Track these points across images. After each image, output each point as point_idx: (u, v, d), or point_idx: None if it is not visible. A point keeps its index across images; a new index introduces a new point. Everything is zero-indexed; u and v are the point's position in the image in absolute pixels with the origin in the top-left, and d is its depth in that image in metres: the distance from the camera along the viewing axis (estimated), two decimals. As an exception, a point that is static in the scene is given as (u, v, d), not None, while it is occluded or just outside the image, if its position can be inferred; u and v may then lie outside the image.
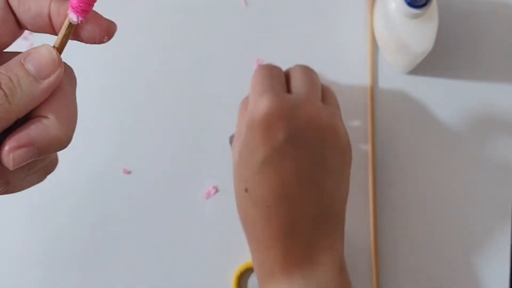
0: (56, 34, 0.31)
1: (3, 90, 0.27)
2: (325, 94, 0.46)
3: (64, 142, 0.30)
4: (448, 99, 0.54)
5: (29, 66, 0.29)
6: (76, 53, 0.57)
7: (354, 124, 0.54)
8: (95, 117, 0.55)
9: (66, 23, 0.30)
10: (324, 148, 0.42)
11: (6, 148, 0.28)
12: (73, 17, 0.29)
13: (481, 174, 0.53)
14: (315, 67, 0.54)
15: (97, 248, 0.54)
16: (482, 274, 0.53)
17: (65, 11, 0.30)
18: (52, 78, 0.29)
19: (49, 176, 0.53)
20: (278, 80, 0.45)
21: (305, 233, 0.41)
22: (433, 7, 0.47)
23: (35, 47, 0.30)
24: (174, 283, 0.54)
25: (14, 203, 0.53)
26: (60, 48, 0.30)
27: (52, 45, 0.30)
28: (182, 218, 0.54)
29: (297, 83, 0.45)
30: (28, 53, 0.29)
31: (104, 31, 0.31)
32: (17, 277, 0.54)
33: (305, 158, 0.41)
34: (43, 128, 0.29)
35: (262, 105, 0.42)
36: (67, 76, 0.31)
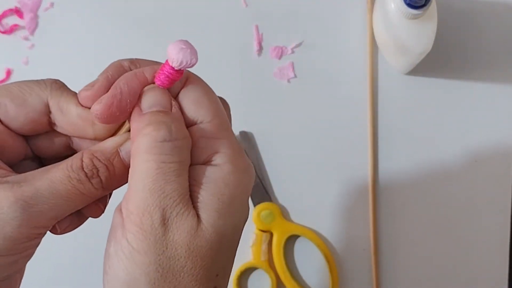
0: (95, 139, 0.31)
1: (99, 178, 0.28)
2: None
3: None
4: (447, 99, 0.54)
5: (124, 155, 0.29)
6: (77, 53, 0.57)
7: (354, 125, 0.54)
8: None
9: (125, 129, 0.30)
10: None
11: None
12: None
13: (480, 173, 0.53)
14: (315, 68, 0.54)
15: (98, 248, 0.54)
16: (481, 274, 0.53)
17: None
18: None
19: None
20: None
21: None
22: (432, 8, 0.47)
23: (127, 134, 0.29)
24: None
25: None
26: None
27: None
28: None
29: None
30: (125, 139, 0.29)
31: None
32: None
33: None
34: None
35: None
36: None
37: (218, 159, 0.28)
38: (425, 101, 0.54)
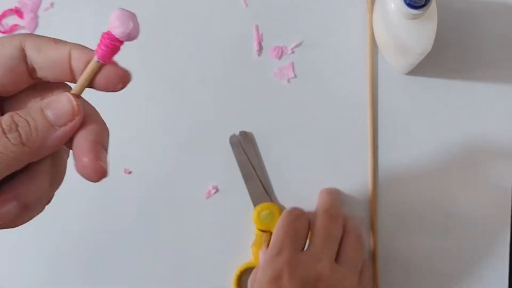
0: (74, 81, 0.32)
1: (18, 132, 0.28)
2: (344, 250, 0.48)
3: (46, 204, 0.32)
4: (447, 99, 0.54)
5: (48, 113, 0.29)
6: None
7: (354, 125, 0.54)
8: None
9: (88, 70, 0.31)
10: None
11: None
12: (97, 62, 0.30)
13: (480, 174, 0.53)
14: (315, 68, 0.54)
15: (98, 248, 0.54)
16: (481, 274, 0.53)
17: (86, 57, 0.31)
18: (67, 128, 0.30)
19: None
20: (300, 234, 0.48)
21: None
22: (432, 8, 0.47)
23: (57, 95, 0.30)
24: (175, 282, 0.54)
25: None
26: (79, 94, 0.31)
27: (72, 92, 0.31)
28: (182, 218, 0.54)
29: (316, 239, 0.47)
30: (49, 100, 0.30)
31: (120, 78, 0.32)
32: (19, 277, 0.54)
33: None
34: (33, 186, 0.30)
35: (275, 263, 0.45)
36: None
37: None
38: (425, 101, 0.54)
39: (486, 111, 0.54)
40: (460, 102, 0.54)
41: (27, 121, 0.29)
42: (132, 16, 0.31)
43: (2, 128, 0.28)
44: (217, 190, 0.54)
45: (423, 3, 0.45)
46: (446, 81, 0.54)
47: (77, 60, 0.31)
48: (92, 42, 0.56)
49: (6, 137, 0.28)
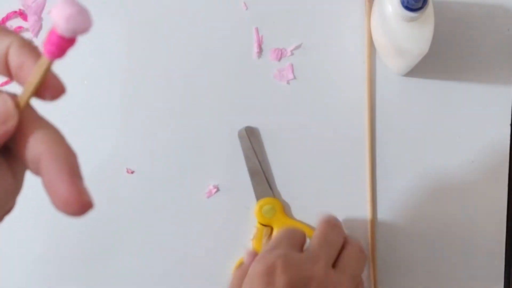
0: (8, 77, 0.28)
1: None
2: (344, 258, 0.45)
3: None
4: (443, 100, 0.54)
5: None
6: (80, 55, 0.57)
7: (353, 125, 0.55)
8: (98, 117, 0.55)
9: (38, 70, 0.27)
10: None
11: None
12: (46, 59, 0.26)
13: (478, 173, 0.54)
14: (314, 69, 0.55)
15: (100, 247, 0.54)
16: (477, 273, 0.53)
17: (27, 54, 0.27)
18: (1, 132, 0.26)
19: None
20: (298, 236, 0.46)
21: None
22: (429, 10, 0.47)
23: None
24: (175, 280, 0.54)
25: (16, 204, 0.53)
26: (26, 98, 0.27)
27: (16, 94, 0.27)
28: (183, 217, 0.54)
29: (313, 242, 0.45)
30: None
31: (55, 91, 0.28)
32: (19, 277, 0.54)
33: None
34: None
35: (269, 257, 0.43)
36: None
37: None
38: (422, 102, 0.55)
39: (483, 112, 0.54)
40: (457, 103, 0.54)
41: None
42: (76, 8, 0.25)
43: None
44: (217, 189, 0.54)
45: (420, 5, 0.45)
46: (443, 82, 0.55)
47: (15, 55, 0.27)
48: (94, 43, 0.56)
49: None
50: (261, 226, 0.53)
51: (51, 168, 0.26)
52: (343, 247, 0.46)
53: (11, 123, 0.26)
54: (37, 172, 0.26)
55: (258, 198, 0.54)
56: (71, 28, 0.25)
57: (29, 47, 0.27)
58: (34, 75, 0.26)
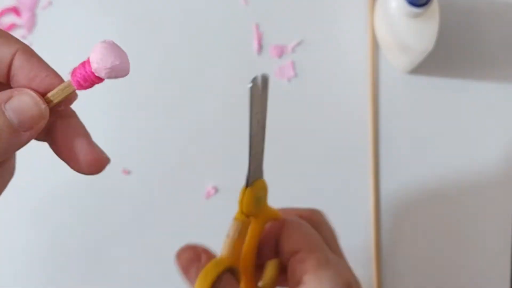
0: (9, 86, 0.28)
1: None
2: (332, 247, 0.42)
3: None
4: (448, 97, 0.54)
5: (11, 115, 0.26)
6: (75, 52, 0.57)
7: (356, 123, 0.54)
8: (95, 117, 0.55)
9: (61, 93, 0.28)
10: None
11: None
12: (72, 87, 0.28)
13: (483, 173, 0.53)
14: (316, 66, 0.54)
15: (97, 248, 0.54)
16: (482, 275, 0.53)
17: (31, 66, 0.27)
18: (33, 132, 0.26)
19: (48, 177, 0.54)
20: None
21: None
22: (434, 6, 0.47)
23: (19, 92, 0.27)
24: (174, 282, 0.54)
25: (14, 203, 0.53)
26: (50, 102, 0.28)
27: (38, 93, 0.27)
28: (182, 218, 0.54)
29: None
30: (9, 96, 0.26)
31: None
32: (18, 277, 0.54)
33: None
34: None
35: (344, 270, 0.39)
36: None
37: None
38: (427, 100, 0.54)
39: (488, 110, 0.54)
40: (462, 101, 0.54)
41: None
42: (118, 51, 0.26)
43: None
44: (216, 190, 0.54)
45: (425, 1, 0.45)
46: (448, 80, 0.54)
47: (18, 67, 0.27)
48: (89, 41, 0.56)
49: None
50: (244, 218, 0.41)
51: (70, 135, 0.28)
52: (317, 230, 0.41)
53: (44, 122, 0.27)
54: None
55: (250, 179, 0.41)
56: (110, 75, 0.27)
57: (37, 58, 0.28)
58: (55, 95, 0.28)
